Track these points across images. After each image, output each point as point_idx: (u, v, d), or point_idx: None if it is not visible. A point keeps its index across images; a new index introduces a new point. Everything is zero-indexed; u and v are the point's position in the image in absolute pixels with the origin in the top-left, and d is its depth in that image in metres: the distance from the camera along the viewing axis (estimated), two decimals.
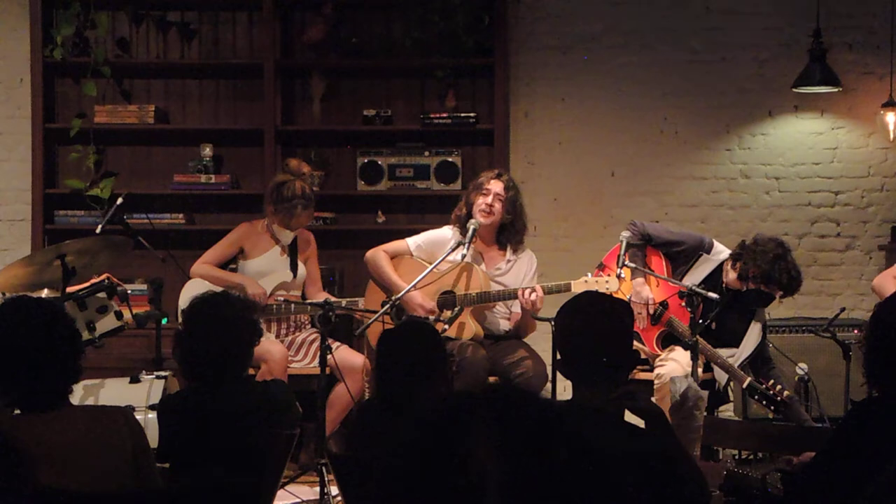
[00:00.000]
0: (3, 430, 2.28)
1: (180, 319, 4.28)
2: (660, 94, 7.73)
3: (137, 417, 3.75)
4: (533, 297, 5.97)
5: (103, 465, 3.27)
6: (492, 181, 6.25)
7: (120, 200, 6.41)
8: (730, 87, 7.74)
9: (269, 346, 6.07)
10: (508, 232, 6.29)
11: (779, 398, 5.67)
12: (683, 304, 5.76)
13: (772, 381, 5.76)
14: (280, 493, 5.13)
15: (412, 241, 6.38)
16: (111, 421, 3.39)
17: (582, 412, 3.12)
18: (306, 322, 6.54)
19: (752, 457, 5.55)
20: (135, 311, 5.80)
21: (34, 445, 2.80)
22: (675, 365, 5.90)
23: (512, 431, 1.55)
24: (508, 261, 6.31)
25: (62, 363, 3.32)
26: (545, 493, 1.53)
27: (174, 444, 3.98)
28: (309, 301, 6.41)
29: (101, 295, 5.65)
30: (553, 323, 5.45)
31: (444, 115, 7.60)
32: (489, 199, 6.20)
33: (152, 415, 5.09)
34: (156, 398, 5.34)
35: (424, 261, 6.25)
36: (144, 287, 7.19)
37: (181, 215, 7.59)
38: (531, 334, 6.34)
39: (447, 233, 6.34)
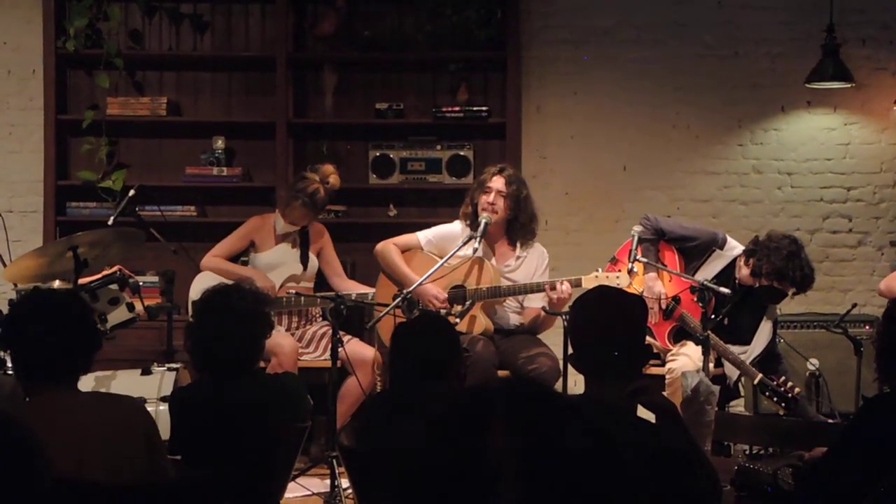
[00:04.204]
0: (20, 420, 2.27)
1: (190, 312, 4.28)
2: (672, 89, 7.72)
3: (149, 409, 3.77)
4: (564, 286, 5.93)
5: (116, 453, 3.27)
6: (494, 178, 6.20)
7: (132, 192, 6.43)
8: (742, 82, 7.72)
9: (280, 339, 6.08)
10: (515, 227, 6.27)
11: (790, 395, 5.67)
12: (695, 299, 5.75)
13: (783, 378, 5.75)
14: (291, 485, 5.14)
15: (422, 235, 6.36)
16: (123, 408, 3.40)
17: (594, 407, 3.12)
18: (317, 315, 6.55)
19: (763, 452, 5.56)
20: (146, 303, 5.82)
21: (47, 433, 2.80)
22: (686, 360, 5.90)
23: (530, 426, 1.55)
24: (518, 256, 6.30)
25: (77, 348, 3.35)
26: (562, 489, 1.52)
27: (185, 436, 3.99)
28: (319, 294, 6.42)
29: (113, 287, 5.67)
30: (565, 318, 5.46)
31: (457, 108, 7.59)
32: (491, 198, 6.16)
33: (164, 406, 5.09)
34: (167, 390, 5.35)
35: (435, 255, 6.24)
36: (156, 279, 7.20)
37: (193, 207, 7.60)
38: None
39: (457, 227, 6.32)
